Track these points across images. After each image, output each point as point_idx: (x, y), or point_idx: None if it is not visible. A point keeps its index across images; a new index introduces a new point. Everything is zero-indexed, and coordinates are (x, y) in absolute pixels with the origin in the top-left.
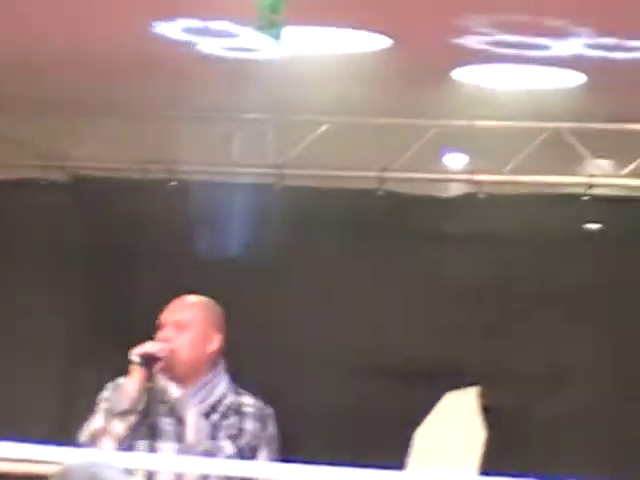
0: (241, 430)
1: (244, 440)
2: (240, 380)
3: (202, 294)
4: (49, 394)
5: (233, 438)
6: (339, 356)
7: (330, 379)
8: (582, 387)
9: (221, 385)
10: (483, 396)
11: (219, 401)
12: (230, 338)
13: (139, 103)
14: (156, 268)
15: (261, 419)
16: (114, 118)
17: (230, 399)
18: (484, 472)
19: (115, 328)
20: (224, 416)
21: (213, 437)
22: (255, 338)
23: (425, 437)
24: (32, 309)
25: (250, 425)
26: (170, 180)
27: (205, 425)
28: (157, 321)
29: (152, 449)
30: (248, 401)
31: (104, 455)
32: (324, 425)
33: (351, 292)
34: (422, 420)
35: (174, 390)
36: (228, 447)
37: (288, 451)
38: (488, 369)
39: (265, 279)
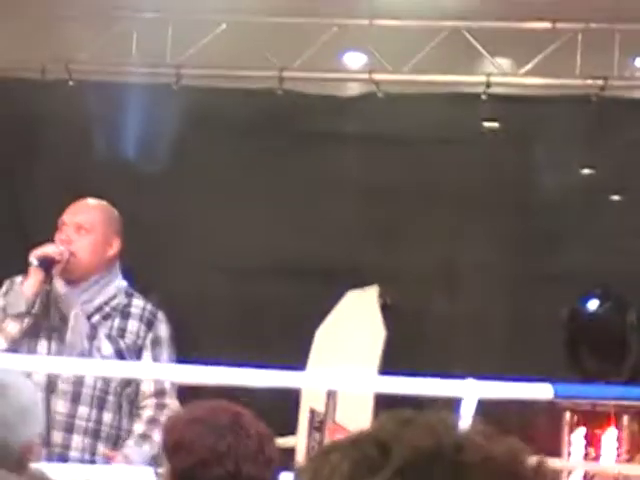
0: (123, 330)
1: (126, 340)
2: (139, 283)
3: (100, 195)
4: None
5: (113, 339)
6: (239, 257)
7: (230, 280)
8: (477, 285)
9: (111, 286)
10: (382, 295)
11: (105, 302)
12: (128, 239)
13: (37, 2)
14: (54, 169)
15: (147, 321)
16: (13, 18)
17: (118, 300)
18: (384, 370)
19: (15, 228)
20: (107, 317)
21: (92, 337)
22: (153, 240)
23: (326, 336)
24: None
25: (134, 326)
26: (69, 80)
27: (85, 325)
28: (56, 222)
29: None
30: (137, 303)
31: None
32: (224, 325)
33: (249, 193)
34: (322, 319)
35: (60, 287)
36: (106, 347)
37: (189, 352)
38: (387, 268)
39: (163, 180)
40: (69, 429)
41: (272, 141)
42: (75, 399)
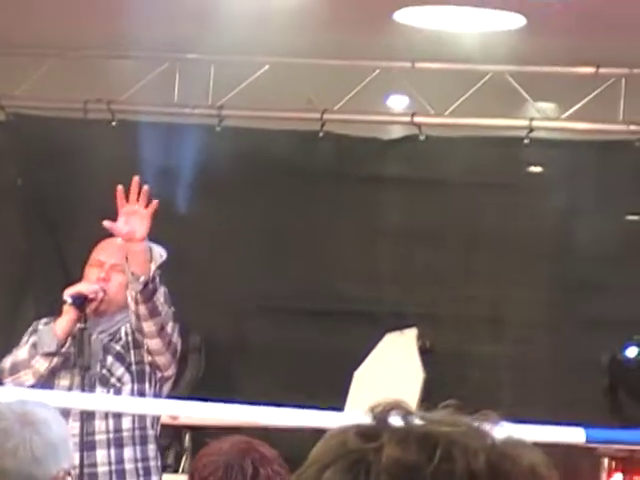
0: (128, 343)
1: (132, 354)
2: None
3: None
4: None
5: (121, 356)
6: (280, 298)
7: (272, 321)
8: (518, 330)
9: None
10: (421, 337)
11: (119, 329)
12: (169, 280)
13: (80, 41)
14: (94, 209)
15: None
16: (54, 56)
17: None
18: None
19: (53, 267)
20: (119, 339)
21: (104, 361)
22: (195, 281)
23: (364, 378)
24: None
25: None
26: (111, 120)
27: (100, 353)
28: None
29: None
30: None
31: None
32: (262, 366)
33: (292, 235)
34: (361, 361)
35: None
36: (116, 368)
37: (229, 394)
38: (426, 311)
39: (205, 221)
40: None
41: (314, 183)
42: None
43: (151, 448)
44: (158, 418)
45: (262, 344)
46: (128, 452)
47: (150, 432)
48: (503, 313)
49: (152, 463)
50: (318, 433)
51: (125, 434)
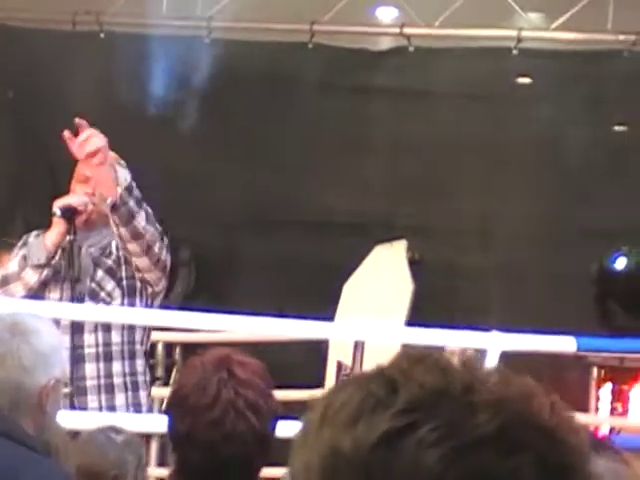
0: (119, 258)
1: (123, 269)
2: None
3: (129, 148)
4: None
5: (112, 271)
6: (268, 210)
7: (260, 233)
8: (507, 240)
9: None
10: (410, 249)
11: (109, 244)
12: (157, 192)
13: None
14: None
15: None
16: None
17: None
18: (411, 323)
19: (42, 182)
20: (109, 254)
21: (94, 276)
22: (183, 194)
23: (354, 289)
24: None
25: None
26: (100, 32)
27: (90, 267)
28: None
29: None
30: None
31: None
32: (254, 278)
33: (279, 145)
34: (351, 272)
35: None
36: (106, 282)
37: (219, 304)
38: (416, 223)
39: (193, 132)
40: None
41: (302, 94)
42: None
43: (139, 363)
44: (148, 334)
45: (251, 256)
46: (117, 366)
47: (138, 347)
48: (492, 224)
49: (140, 378)
50: (307, 346)
51: (114, 348)
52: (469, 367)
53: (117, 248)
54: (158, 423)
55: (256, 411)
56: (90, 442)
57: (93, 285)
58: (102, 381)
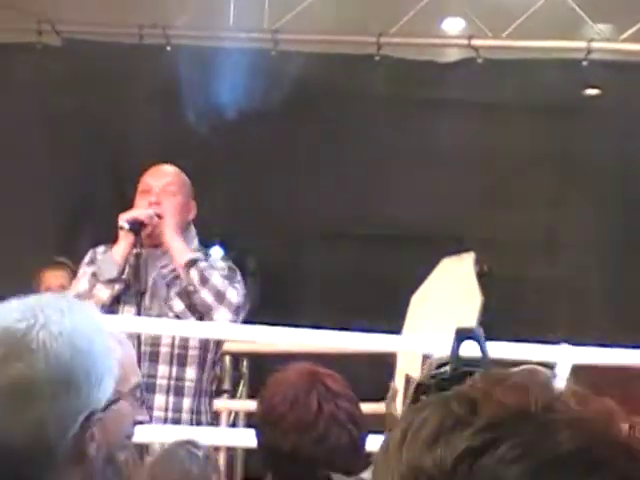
0: (194, 286)
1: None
2: (234, 249)
3: (197, 160)
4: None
5: (183, 295)
6: (335, 223)
7: (327, 246)
8: (578, 253)
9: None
10: (479, 261)
11: None
12: (225, 205)
13: None
14: (149, 134)
15: (225, 277)
16: None
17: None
18: None
19: (110, 191)
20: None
21: (167, 299)
22: (250, 207)
23: (421, 302)
24: (31, 172)
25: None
26: (166, 45)
27: (163, 290)
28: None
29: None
30: (214, 263)
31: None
32: (320, 291)
33: (347, 159)
34: (418, 285)
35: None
36: (177, 305)
37: (285, 318)
38: (485, 235)
39: (261, 145)
40: (151, 389)
41: (369, 107)
42: (153, 359)
43: (205, 401)
44: (220, 345)
45: (318, 269)
46: (187, 402)
47: (206, 385)
48: (561, 237)
49: (203, 418)
50: (374, 358)
51: (187, 384)
52: (548, 386)
53: None
54: (230, 436)
55: (355, 422)
56: (171, 458)
57: (163, 305)
58: (170, 414)
